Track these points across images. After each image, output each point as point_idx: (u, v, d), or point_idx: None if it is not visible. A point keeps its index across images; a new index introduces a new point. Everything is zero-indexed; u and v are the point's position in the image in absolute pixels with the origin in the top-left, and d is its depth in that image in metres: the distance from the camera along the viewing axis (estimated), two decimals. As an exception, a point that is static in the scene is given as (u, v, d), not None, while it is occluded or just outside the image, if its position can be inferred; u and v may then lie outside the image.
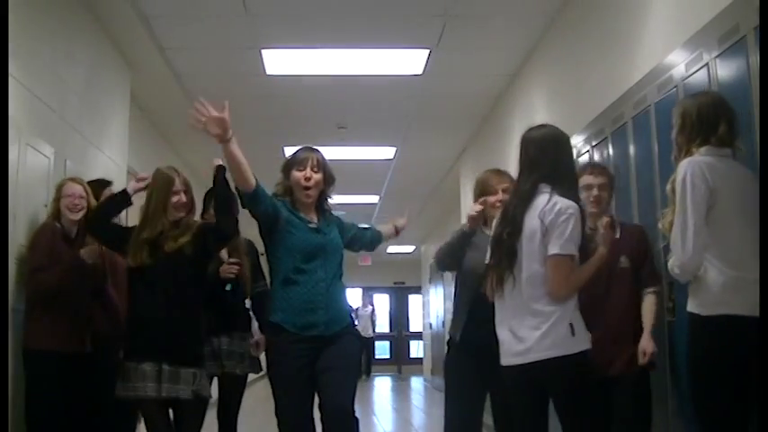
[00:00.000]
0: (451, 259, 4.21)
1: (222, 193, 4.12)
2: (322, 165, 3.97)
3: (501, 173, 4.27)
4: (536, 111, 7.03)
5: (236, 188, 3.81)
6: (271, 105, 8.57)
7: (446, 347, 4.31)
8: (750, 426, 3.06)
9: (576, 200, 3.47)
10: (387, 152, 10.61)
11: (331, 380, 3.81)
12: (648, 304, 3.99)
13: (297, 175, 3.93)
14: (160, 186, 4.21)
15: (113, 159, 6.53)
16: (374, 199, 13.84)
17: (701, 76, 3.85)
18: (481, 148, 9.67)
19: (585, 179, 4.14)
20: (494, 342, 3.83)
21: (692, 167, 3.16)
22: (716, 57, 3.70)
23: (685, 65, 4.01)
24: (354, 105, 8.72)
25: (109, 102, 6.58)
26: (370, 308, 19.40)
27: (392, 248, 19.99)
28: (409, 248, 20.32)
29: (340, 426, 3.80)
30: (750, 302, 3.00)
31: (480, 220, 4.12)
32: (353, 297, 20.27)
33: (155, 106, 8.42)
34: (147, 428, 4.12)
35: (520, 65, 7.42)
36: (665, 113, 4.14)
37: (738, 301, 3.07)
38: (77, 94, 5.73)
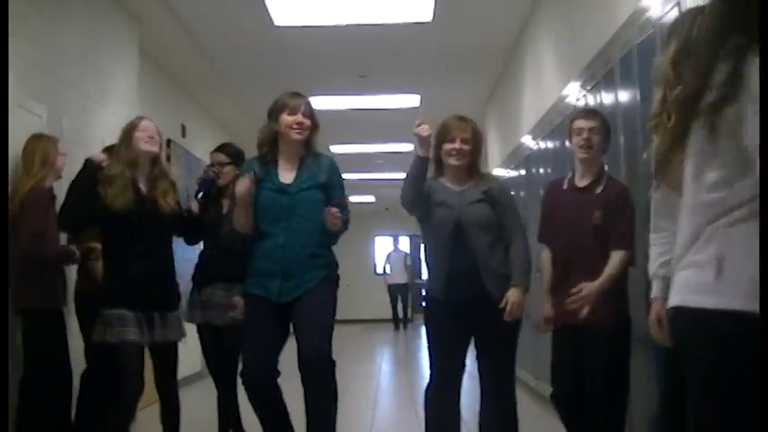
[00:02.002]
0: (415, 193, 4.00)
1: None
2: (312, 112, 4.06)
3: (464, 120, 4.12)
4: (543, 57, 6.91)
5: (240, 236, 4.04)
6: (285, 57, 8.53)
7: (425, 303, 4.25)
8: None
9: None
10: (412, 100, 10.49)
11: (303, 326, 3.90)
12: (612, 262, 3.82)
13: (288, 119, 3.99)
14: (124, 130, 4.26)
15: (119, 114, 6.56)
16: (409, 147, 13.75)
17: (674, 15, 3.72)
18: (503, 95, 9.54)
19: (577, 123, 4.06)
20: (474, 296, 3.89)
21: None
22: (686, -7, 3.57)
23: (661, 4, 3.88)
24: (371, 54, 8.62)
25: (113, 57, 6.59)
26: (403, 253, 18.03)
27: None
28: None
29: (315, 370, 3.87)
30: None
31: (428, 141, 3.99)
32: (385, 243, 19.77)
33: (168, 60, 8.43)
34: (123, 375, 4.12)
35: (529, 10, 7.27)
36: (647, 55, 4.04)
37: None
38: (74, 50, 5.75)
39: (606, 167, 4.12)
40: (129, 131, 4.20)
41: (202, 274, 4.91)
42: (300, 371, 3.88)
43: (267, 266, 3.93)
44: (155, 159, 4.27)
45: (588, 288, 3.78)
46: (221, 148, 5.03)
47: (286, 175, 4.03)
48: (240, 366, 4.02)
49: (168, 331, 4.15)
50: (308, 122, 4.02)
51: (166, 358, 4.26)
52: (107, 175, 4.13)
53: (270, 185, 3.99)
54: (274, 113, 4.04)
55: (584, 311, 3.76)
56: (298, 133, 3.99)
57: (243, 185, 3.93)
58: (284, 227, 3.93)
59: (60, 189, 4.56)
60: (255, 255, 4.00)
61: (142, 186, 4.19)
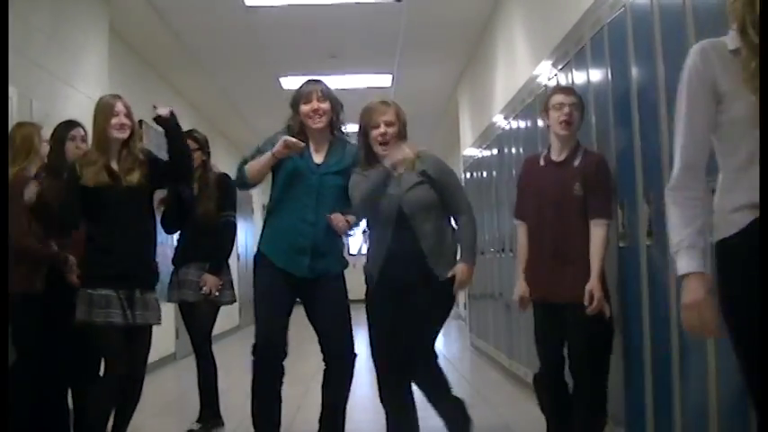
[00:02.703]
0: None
1: (180, 142, 4.32)
2: (327, 94, 4.13)
3: (386, 103, 4.13)
4: (516, 36, 6.92)
5: (246, 179, 4.17)
6: (256, 37, 8.49)
7: (365, 284, 4.24)
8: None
9: None
10: (384, 80, 10.49)
11: (331, 328, 4.15)
12: (596, 240, 3.87)
13: (305, 108, 4.11)
14: (100, 110, 4.21)
15: (90, 96, 6.50)
16: (380, 128, 13.75)
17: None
18: (475, 74, 9.55)
19: (556, 98, 4.08)
20: (412, 277, 3.96)
21: None
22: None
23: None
24: (342, 33, 8.61)
25: (82, 38, 6.54)
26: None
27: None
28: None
29: (344, 366, 4.15)
30: None
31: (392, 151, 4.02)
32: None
33: (139, 40, 8.38)
34: (105, 356, 4.13)
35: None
36: (618, 34, 4.07)
37: None
38: (44, 31, 5.69)
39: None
40: (106, 117, 4.17)
41: (179, 255, 5.15)
42: (328, 364, 4.16)
43: (298, 242, 4.07)
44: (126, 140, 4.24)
45: (595, 287, 3.80)
46: (188, 135, 5.08)
47: (316, 157, 4.17)
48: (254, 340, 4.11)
49: (148, 314, 4.14)
50: (324, 106, 4.10)
51: (140, 342, 4.21)
52: (87, 158, 4.17)
53: (302, 161, 4.11)
54: (295, 105, 4.16)
55: (607, 310, 3.83)
56: (315, 122, 4.09)
57: (295, 143, 3.99)
58: (312, 207, 4.06)
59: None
60: (282, 228, 4.12)
61: (114, 166, 4.18)
